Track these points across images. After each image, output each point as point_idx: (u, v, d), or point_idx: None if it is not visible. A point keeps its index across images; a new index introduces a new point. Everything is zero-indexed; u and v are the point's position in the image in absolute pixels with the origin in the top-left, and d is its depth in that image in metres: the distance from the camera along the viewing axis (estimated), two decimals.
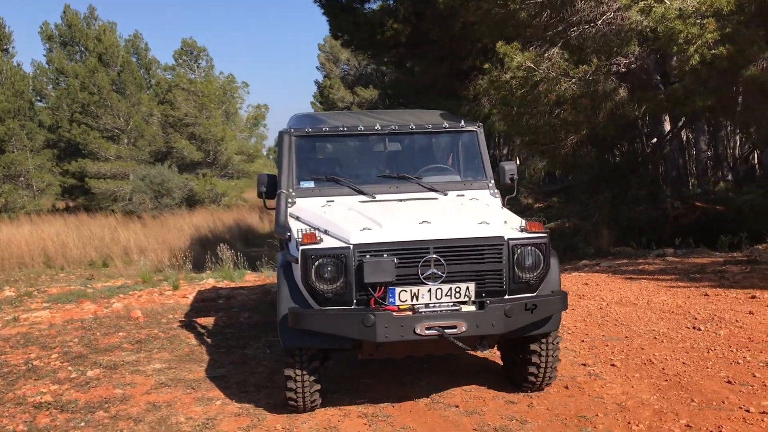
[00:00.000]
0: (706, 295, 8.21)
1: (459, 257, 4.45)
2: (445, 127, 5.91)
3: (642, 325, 6.93)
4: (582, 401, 4.94)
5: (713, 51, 9.71)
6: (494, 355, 6.00)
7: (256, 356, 6.37)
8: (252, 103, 53.61)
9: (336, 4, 16.47)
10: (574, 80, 11.07)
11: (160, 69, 36.74)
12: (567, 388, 5.21)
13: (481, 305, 4.42)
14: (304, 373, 4.67)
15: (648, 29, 10.12)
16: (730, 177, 27.01)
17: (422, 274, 4.40)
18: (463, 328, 4.32)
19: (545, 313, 4.57)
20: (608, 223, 14.39)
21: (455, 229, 4.57)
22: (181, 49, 35.95)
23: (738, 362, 5.61)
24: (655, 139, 16.56)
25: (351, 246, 4.42)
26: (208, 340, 6.98)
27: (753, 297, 7.85)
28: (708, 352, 5.94)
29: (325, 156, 5.98)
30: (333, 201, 5.48)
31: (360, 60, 53.80)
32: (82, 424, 4.88)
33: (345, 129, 5.79)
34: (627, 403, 4.87)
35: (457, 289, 4.45)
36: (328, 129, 5.79)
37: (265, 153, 49.04)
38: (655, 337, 6.49)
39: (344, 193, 5.54)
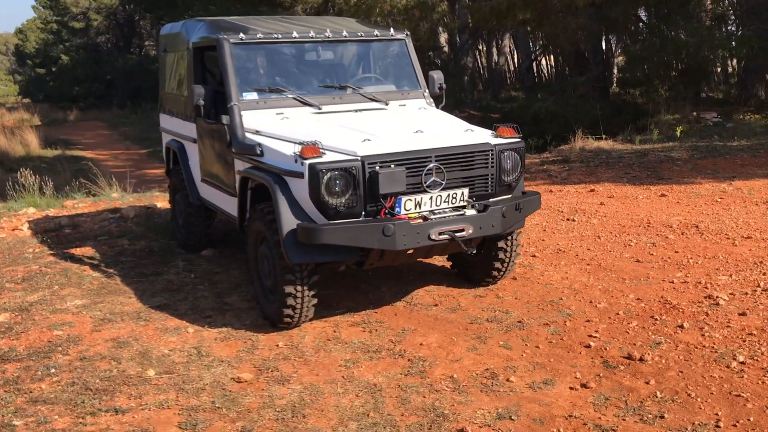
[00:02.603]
0: (551, 191, 9.25)
1: (455, 164, 4.62)
2: (376, 36, 5.91)
3: None
4: (538, 289, 5.49)
5: None
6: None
7: (184, 282, 5.99)
8: None
9: None
10: None
11: None
12: (515, 279, 5.72)
13: (481, 208, 4.66)
14: (305, 288, 4.61)
15: None
16: (481, 86, 29.56)
17: (425, 183, 4.52)
18: (470, 231, 4.56)
19: (528, 212, 4.98)
20: None
21: (450, 138, 4.71)
22: None
23: (630, 245, 6.54)
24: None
25: (359, 158, 4.37)
26: (112, 271, 6.36)
27: (592, 191, 9.04)
28: (599, 238, 6.82)
29: (258, 65, 5.65)
30: (283, 113, 5.29)
31: None
32: (53, 370, 4.34)
33: (280, 36, 5.55)
34: (574, 286, 5.51)
35: (454, 195, 4.64)
36: (262, 36, 5.50)
37: None
38: (544, 229, 7.27)
39: (290, 105, 5.39)
